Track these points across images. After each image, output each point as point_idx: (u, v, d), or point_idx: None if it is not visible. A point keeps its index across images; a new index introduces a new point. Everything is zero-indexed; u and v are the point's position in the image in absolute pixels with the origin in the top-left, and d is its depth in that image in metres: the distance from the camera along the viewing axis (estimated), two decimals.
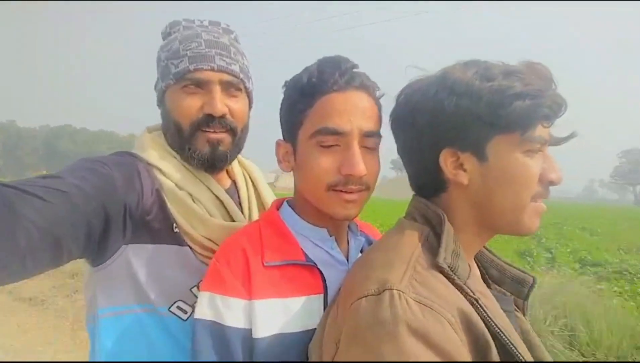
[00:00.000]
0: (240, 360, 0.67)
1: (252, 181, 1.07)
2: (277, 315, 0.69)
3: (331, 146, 0.73)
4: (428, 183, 0.70)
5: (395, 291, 0.54)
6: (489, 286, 0.76)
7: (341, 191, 0.74)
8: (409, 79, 0.72)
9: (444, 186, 0.68)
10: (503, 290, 0.78)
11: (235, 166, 1.05)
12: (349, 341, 0.56)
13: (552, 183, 0.65)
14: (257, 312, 0.68)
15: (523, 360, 0.55)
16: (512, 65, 0.64)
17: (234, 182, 1.04)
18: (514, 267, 0.78)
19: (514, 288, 0.77)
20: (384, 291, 0.55)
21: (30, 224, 0.60)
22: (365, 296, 0.56)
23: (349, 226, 0.88)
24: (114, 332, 0.83)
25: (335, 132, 0.72)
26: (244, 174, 1.07)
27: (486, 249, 0.80)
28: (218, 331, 0.68)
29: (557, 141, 0.67)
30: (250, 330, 0.68)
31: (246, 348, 0.68)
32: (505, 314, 0.62)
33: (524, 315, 0.76)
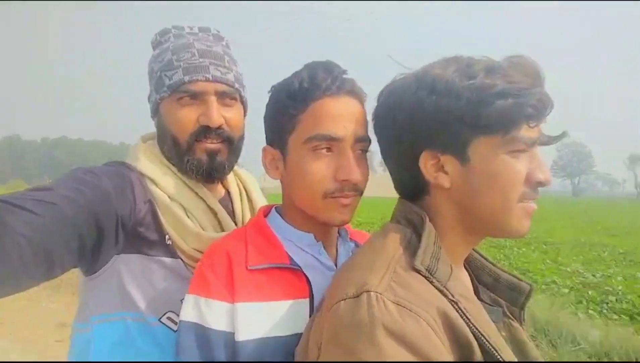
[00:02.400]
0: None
1: (245, 191, 1.07)
2: (260, 318, 0.68)
3: (325, 152, 0.72)
4: (410, 186, 0.68)
5: (372, 293, 0.53)
6: (477, 294, 0.73)
7: (338, 196, 0.73)
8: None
9: (426, 189, 0.66)
10: (497, 298, 0.74)
11: (229, 176, 1.03)
12: (328, 343, 0.55)
13: (540, 183, 0.61)
14: (240, 315, 0.67)
15: (503, 361, 0.53)
16: (497, 61, 0.62)
17: (228, 192, 1.03)
18: (509, 274, 0.75)
19: (509, 296, 0.74)
20: (361, 293, 0.54)
21: (21, 239, 0.59)
22: (344, 299, 0.55)
23: (339, 232, 0.87)
24: (106, 339, 0.83)
25: (330, 138, 0.71)
26: (237, 184, 1.06)
27: (479, 254, 0.77)
28: (201, 333, 0.67)
29: (548, 140, 0.64)
30: (233, 333, 0.67)
31: (229, 351, 0.67)
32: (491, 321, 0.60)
33: (520, 324, 0.73)
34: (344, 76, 0.75)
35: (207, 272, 0.71)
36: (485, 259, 0.77)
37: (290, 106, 0.74)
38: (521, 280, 0.74)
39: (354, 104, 0.74)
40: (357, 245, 0.88)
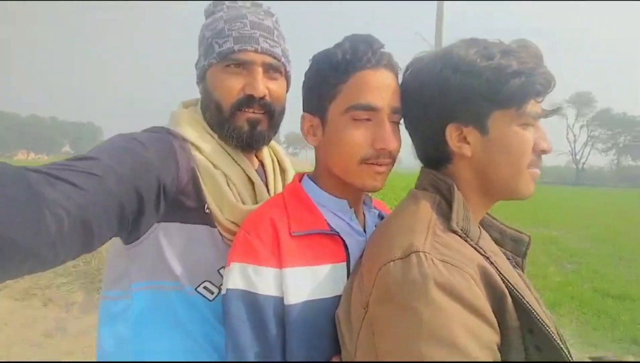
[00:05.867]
0: (274, 327, 0.70)
1: (279, 163, 1.09)
2: (306, 282, 0.73)
3: (364, 120, 0.77)
4: (435, 156, 0.77)
5: (421, 253, 0.60)
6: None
7: (373, 163, 0.78)
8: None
9: (450, 157, 0.75)
10: (504, 250, 0.86)
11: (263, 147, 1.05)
12: (380, 302, 0.61)
13: (543, 151, 0.73)
14: (288, 280, 0.71)
15: (536, 314, 0.61)
16: (508, 44, 0.73)
17: (262, 164, 1.05)
18: (512, 228, 0.87)
19: (514, 247, 0.86)
20: (410, 254, 0.60)
21: (60, 211, 0.58)
22: (393, 260, 0.61)
23: (363, 201, 0.92)
24: (146, 305, 0.84)
25: (370, 108, 0.76)
26: (271, 156, 1.08)
27: (486, 213, 0.88)
28: (251, 300, 0.70)
29: (546, 113, 0.76)
30: (282, 297, 0.71)
31: (278, 315, 0.71)
32: None
33: (522, 271, 0.85)
34: (382, 50, 0.80)
35: (254, 240, 0.74)
36: (492, 217, 0.89)
37: (331, 76, 0.79)
38: (521, 233, 0.86)
39: (390, 77, 0.79)
40: (379, 213, 0.96)
